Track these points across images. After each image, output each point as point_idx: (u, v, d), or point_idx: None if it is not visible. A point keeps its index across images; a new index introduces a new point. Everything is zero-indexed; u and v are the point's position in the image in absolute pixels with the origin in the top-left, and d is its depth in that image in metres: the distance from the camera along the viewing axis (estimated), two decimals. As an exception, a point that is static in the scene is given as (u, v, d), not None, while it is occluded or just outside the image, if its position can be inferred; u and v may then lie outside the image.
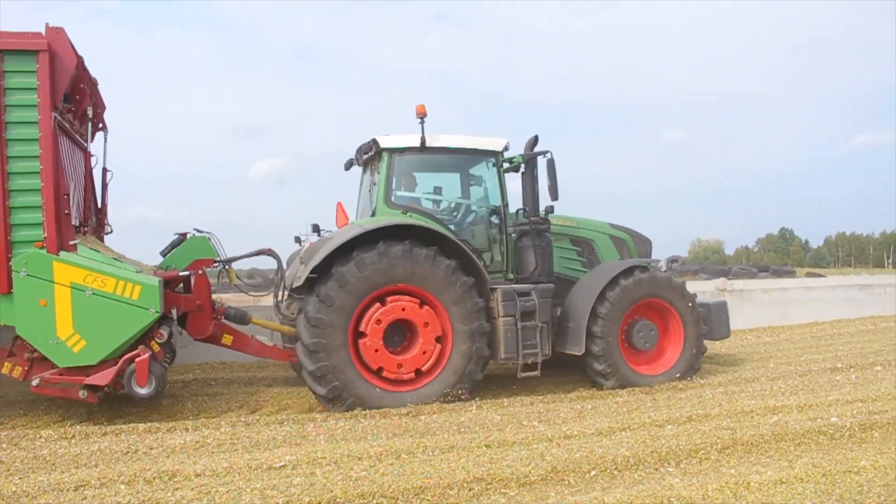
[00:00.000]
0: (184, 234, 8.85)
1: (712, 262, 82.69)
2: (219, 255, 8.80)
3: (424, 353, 8.45)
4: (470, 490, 5.06)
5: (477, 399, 8.56)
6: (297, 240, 9.97)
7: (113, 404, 8.61)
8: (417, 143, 8.98)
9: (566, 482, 5.27)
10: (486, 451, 6.06)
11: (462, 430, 7.07)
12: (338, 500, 4.87)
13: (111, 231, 9.51)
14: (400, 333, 8.61)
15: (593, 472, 5.45)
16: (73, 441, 6.87)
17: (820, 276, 28.02)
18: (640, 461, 5.72)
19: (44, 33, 7.30)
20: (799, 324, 16.02)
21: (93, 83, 8.46)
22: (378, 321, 8.27)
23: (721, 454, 5.97)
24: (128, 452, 6.42)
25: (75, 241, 7.43)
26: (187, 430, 7.25)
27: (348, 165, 10.33)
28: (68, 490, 5.28)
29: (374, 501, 4.87)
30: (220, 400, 8.81)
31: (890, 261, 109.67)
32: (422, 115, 8.85)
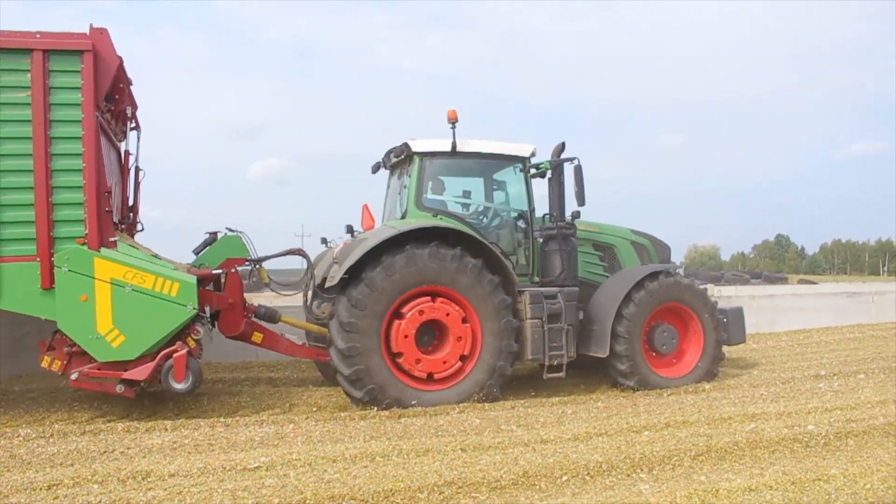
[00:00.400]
0: (214, 233, 8.96)
1: (708, 267, 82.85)
2: (250, 254, 8.91)
3: (445, 362, 8.63)
4: (440, 494, 5.08)
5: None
6: (324, 241, 10.18)
7: (94, 403, 8.63)
8: (449, 148, 9.17)
9: (537, 487, 5.29)
10: (461, 455, 6.08)
11: (440, 433, 7.09)
12: (307, 501, 4.88)
13: (142, 229, 9.63)
14: (431, 334, 8.79)
15: (565, 478, 5.47)
16: (50, 440, 6.88)
17: (812, 283, 28.12)
18: (613, 467, 5.75)
19: (87, 34, 7.46)
20: (786, 331, 16.05)
21: (128, 83, 8.61)
22: (421, 311, 8.49)
23: (694, 461, 5.99)
24: (105, 452, 6.42)
25: (115, 238, 7.59)
26: (166, 429, 7.25)
27: (375, 168, 10.53)
28: (41, 489, 5.28)
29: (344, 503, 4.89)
30: (202, 400, 8.80)
31: (885, 269, 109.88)
32: (453, 121, 9.05)
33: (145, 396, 8.63)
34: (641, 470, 5.74)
